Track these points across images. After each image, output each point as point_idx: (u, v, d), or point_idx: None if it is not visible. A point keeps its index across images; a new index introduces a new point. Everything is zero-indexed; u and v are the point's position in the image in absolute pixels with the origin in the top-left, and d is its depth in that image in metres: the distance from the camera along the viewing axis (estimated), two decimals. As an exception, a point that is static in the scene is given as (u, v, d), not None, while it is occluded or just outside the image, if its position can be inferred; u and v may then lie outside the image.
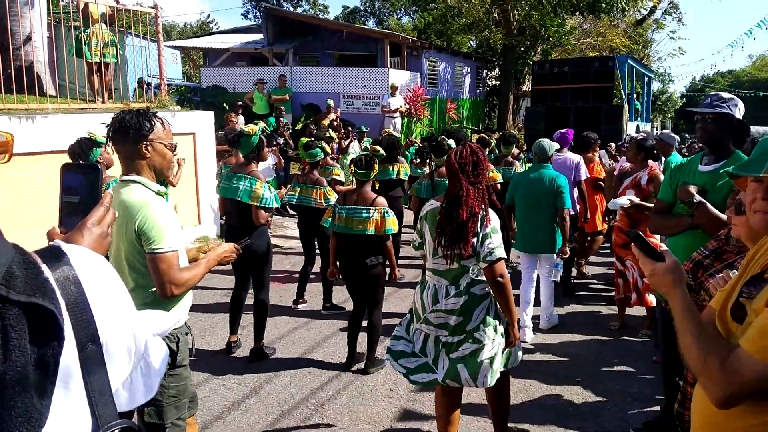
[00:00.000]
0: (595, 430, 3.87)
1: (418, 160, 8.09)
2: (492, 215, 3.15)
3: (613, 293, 6.23)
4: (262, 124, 5.10)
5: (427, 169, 7.17)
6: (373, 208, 4.59)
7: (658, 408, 4.04)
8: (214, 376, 4.65)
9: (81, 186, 1.25)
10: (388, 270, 4.89)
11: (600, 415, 4.07)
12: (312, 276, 6.43)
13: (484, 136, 9.33)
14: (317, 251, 6.27)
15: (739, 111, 3.13)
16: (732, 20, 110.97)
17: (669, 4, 30.18)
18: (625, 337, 5.51)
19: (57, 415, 0.81)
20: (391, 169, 7.06)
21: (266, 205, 4.67)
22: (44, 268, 0.85)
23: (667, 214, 3.25)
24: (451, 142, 6.35)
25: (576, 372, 4.75)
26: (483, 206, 3.10)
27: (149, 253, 2.39)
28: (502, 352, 3.22)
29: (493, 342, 3.15)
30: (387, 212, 4.62)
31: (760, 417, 1.53)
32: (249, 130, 4.75)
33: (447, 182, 3.48)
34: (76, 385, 0.86)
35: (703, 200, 2.94)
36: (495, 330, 3.17)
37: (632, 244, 1.66)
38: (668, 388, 3.49)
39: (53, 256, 0.89)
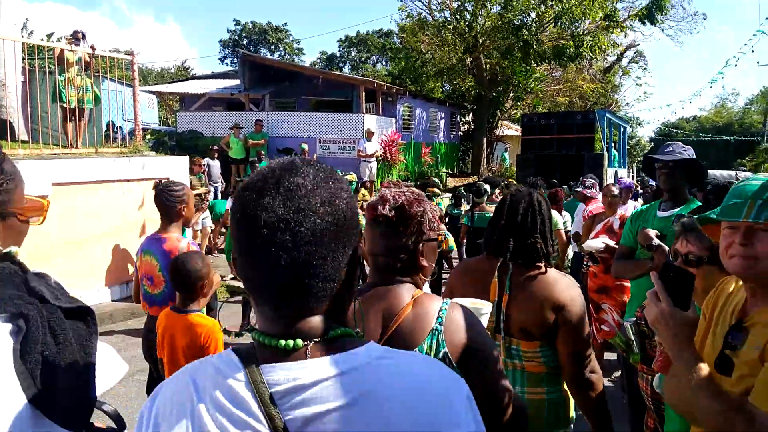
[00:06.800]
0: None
1: (453, 201, 9.94)
2: None
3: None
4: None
5: (463, 209, 9.04)
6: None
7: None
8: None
9: None
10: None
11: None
12: None
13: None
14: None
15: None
16: (698, 69, 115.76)
17: (635, 53, 31.48)
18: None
19: None
20: (440, 202, 9.36)
21: None
22: None
23: (629, 258, 3.34)
24: (487, 187, 8.10)
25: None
26: None
27: None
28: None
29: None
30: (446, 234, 6.76)
31: None
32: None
33: (486, 215, 6.90)
34: None
35: (661, 244, 3.04)
36: None
37: (659, 275, 1.49)
38: (635, 430, 3.53)
39: None
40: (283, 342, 0.87)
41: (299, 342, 0.87)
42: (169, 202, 3.49)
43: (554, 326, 2.07)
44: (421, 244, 1.59)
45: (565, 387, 2.17)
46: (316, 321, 0.90)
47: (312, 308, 0.90)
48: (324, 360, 0.86)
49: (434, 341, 1.48)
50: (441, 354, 1.46)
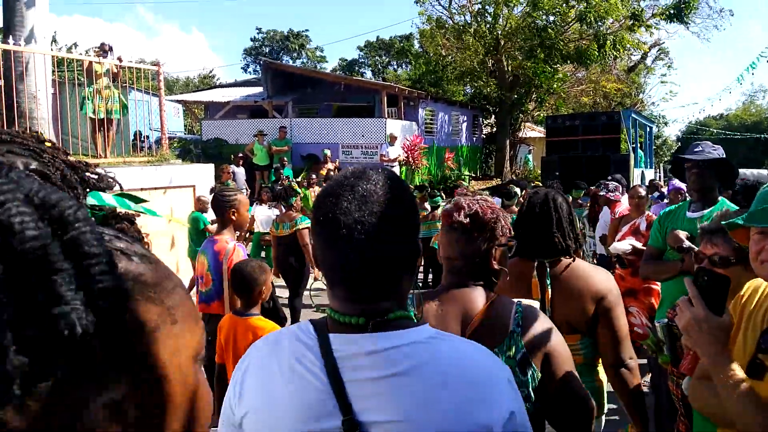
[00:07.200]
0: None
1: None
2: None
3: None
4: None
5: None
6: None
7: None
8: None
9: None
10: None
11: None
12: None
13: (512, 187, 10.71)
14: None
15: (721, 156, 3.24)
16: (723, 66, 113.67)
17: (658, 50, 31.04)
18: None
19: None
20: None
21: None
22: None
23: (657, 260, 3.30)
24: (517, 190, 8.27)
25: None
26: None
27: None
28: None
29: None
30: None
31: None
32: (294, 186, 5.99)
33: (513, 216, 6.81)
34: None
35: (692, 246, 2.99)
36: None
37: (692, 280, 1.47)
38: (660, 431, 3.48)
39: None
40: (350, 319, 1.03)
41: (363, 319, 1.02)
42: (219, 205, 3.76)
43: (594, 316, 2.16)
44: (494, 249, 1.69)
45: (599, 377, 2.26)
46: (380, 304, 1.04)
47: (378, 293, 1.04)
48: (383, 335, 1.01)
49: (512, 343, 1.56)
50: (520, 355, 1.55)
